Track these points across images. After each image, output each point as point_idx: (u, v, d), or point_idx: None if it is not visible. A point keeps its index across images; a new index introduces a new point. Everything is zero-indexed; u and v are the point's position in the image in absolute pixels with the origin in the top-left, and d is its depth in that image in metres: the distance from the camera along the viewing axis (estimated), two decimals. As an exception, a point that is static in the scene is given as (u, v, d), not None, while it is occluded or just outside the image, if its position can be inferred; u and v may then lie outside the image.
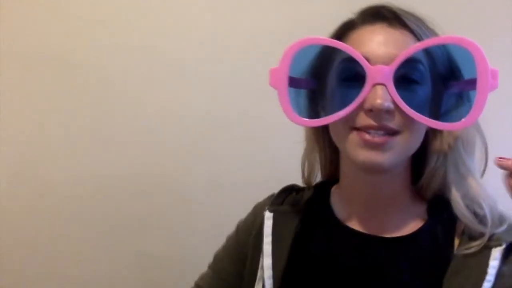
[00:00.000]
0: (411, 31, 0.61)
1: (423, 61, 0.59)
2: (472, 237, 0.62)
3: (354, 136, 0.60)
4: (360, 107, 0.58)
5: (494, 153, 0.60)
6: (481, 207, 0.62)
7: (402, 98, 0.57)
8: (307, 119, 0.62)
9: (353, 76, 0.59)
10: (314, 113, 0.65)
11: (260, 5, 1.05)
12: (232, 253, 0.76)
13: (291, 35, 1.01)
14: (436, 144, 0.64)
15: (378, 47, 0.59)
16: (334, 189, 0.73)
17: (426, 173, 0.66)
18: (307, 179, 0.76)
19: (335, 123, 0.61)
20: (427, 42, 0.58)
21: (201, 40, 1.05)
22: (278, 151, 1.05)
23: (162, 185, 1.06)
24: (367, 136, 0.58)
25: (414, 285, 0.62)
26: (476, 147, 0.64)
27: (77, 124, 1.06)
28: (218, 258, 0.78)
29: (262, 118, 1.04)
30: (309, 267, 0.67)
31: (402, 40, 0.60)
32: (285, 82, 0.60)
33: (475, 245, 0.61)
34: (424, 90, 0.59)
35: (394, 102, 0.57)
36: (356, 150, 0.60)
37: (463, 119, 0.56)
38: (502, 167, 0.57)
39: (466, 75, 0.59)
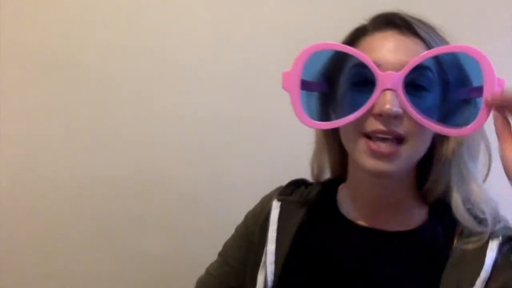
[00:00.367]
0: (422, 39, 0.63)
1: (432, 68, 0.61)
2: (471, 235, 0.64)
3: (362, 143, 0.62)
4: (370, 112, 0.60)
5: (497, 157, 0.61)
6: (483, 211, 0.64)
7: (411, 104, 0.58)
8: (318, 122, 0.63)
9: (364, 81, 0.60)
10: (324, 116, 0.67)
11: (260, 5, 1.05)
12: (240, 241, 0.78)
13: (292, 35, 1.03)
14: (442, 150, 0.66)
15: (389, 54, 0.61)
16: (341, 187, 0.75)
17: (431, 178, 0.68)
18: (316, 178, 0.78)
19: (345, 126, 0.62)
20: (436, 50, 0.59)
21: (201, 40, 1.05)
22: (278, 151, 1.05)
23: (163, 185, 1.06)
24: (374, 146, 0.60)
25: (414, 276, 0.64)
26: (480, 152, 0.66)
27: (77, 123, 1.06)
28: (227, 246, 0.81)
29: (263, 118, 1.04)
30: (311, 255, 0.69)
31: (412, 47, 0.62)
32: (297, 85, 0.61)
33: (474, 241, 0.63)
34: (432, 97, 0.61)
35: (402, 108, 0.58)
36: (363, 157, 0.62)
37: (469, 126, 0.57)
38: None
39: (473, 83, 0.60)
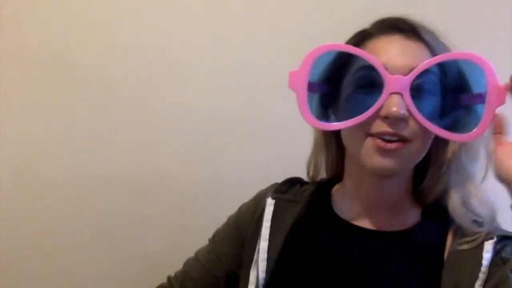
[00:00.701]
0: (426, 44, 0.64)
1: (437, 73, 0.62)
2: (466, 236, 0.65)
3: (368, 142, 0.63)
4: (376, 114, 0.61)
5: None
6: (480, 213, 0.65)
7: (417, 107, 0.60)
8: (324, 123, 0.65)
9: (371, 83, 0.62)
10: (329, 117, 0.68)
11: (260, 5, 1.05)
12: (230, 235, 0.79)
13: (292, 35, 1.03)
14: (441, 153, 0.68)
15: (396, 57, 0.63)
16: (336, 188, 0.76)
17: (428, 180, 0.69)
18: (312, 177, 0.79)
19: (350, 128, 0.63)
20: (443, 57, 0.62)
21: (201, 40, 1.05)
22: (278, 151, 1.05)
23: (163, 185, 1.06)
24: (381, 143, 0.62)
25: (410, 276, 0.65)
26: (480, 154, 0.66)
27: (77, 123, 1.06)
28: (218, 236, 0.81)
29: (263, 118, 1.04)
30: (304, 253, 0.70)
31: (418, 52, 0.64)
32: (304, 85, 0.63)
33: (469, 241, 0.64)
34: (437, 101, 0.63)
35: (408, 111, 0.60)
36: (370, 155, 0.63)
37: (472, 131, 0.60)
38: None
39: (476, 89, 0.62)
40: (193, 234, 1.05)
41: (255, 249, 0.73)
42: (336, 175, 0.76)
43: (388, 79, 0.60)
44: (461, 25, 1.00)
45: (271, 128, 1.04)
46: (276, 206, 0.74)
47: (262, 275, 0.70)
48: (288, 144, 1.02)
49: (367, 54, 0.62)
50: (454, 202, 0.66)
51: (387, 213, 0.70)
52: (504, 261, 0.62)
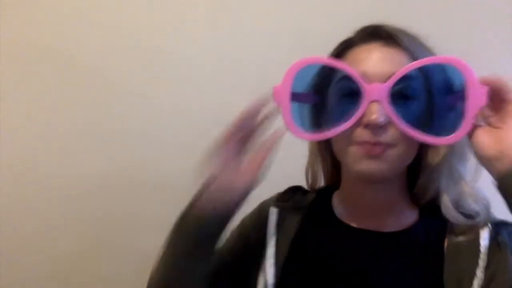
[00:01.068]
0: (406, 50, 0.65)
1: (417, 78, 0.63)
2: (462, 228, 0.66)
3: (354, 148, 0.64)
4: (358, 122, 0.62)
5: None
6: (474, 210, 0.66)
7: (398, 113, 0.61)
8: (309, 134, 0.67)
9: (351, 93, 0.63)
10: (316, 127, 0.68)
11: (260, 5, 1.05)
12: (232, 245, 0.78)
13: (292, 35, 1.03)
14: (431, 155, 0.69)
15: (374, 66, 0.64)
16: (335, 194, 0.78)
17: (420, 182, 0.70)
18: (311, 186, 0.80)
19: (335, 137, 0.65)
20: (421, 62, 0.63)
21: (201, 40, 1.06)
22: (278, 151, 1.04)
23: (163, 184, 1.06)
24: (366, 147, 0.63)
25: (412, 274, 0.66)
26: (468, 153, 0.67)
27: (77, 123, 1.06)
28: (221, 250, 0.80)
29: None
30: (309, 258, 0.71)
31: (397, 58, 0.65)
32: (287, 99, 0.64)
33: (465, 232, 0.66)
34: (418, 106, 0.64)
35: (389, 118, 0.61)
36: (357, 161, 0.64)
37: (453, 134, 0.61)
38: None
39: (457, 92, 0.63)
40: (193, 234, 1.05)
41: (260, 256, 0.73)
42: (334, 182, 0.78)
43: (366, 88, 0.61)
44: (461, 25, 1.00)
45: (270, 128, 1.04)
46: (279, 214, 0.76)
47: (270, 281, 0.70)
48: (288, 144, 1.02)
49: (344, 65, 0.64)
50: (446, 205, 0.67)
51: (385, 215, 0.71)
52: (501, 245, 0.63)
